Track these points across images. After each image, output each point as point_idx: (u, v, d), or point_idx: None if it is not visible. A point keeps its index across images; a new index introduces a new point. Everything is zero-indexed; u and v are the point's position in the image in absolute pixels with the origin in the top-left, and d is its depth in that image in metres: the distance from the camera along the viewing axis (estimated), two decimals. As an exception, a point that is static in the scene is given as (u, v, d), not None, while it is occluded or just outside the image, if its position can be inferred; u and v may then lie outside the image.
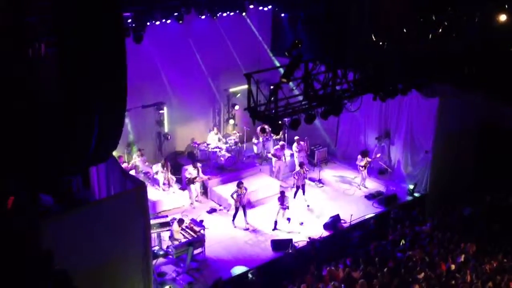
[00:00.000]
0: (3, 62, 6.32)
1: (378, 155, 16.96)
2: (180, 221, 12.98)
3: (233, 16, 15.89)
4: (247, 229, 14.47)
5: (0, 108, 6.51)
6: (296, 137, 17.24)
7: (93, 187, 11.04)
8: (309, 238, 13.93)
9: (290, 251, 13.23)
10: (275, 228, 14.46)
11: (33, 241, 6.36)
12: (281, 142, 17.29)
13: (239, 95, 17.81)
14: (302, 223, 14.72)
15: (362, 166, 16.60)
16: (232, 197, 14.42)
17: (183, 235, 12.89)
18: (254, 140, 17.76)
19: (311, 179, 16.93)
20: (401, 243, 13.31)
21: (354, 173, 17.18)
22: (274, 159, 17.02)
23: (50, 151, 6.91)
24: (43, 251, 6.29)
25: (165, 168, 15.44)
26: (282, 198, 14.51)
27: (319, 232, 14.25)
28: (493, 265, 12.18)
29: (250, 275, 12.31)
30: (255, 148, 17.81)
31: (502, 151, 16.09)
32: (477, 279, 11.44)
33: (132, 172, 14.76)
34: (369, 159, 16.60)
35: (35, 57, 6.87)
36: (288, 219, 14.68)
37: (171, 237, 12.90)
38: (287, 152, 17.41)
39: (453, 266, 12.08)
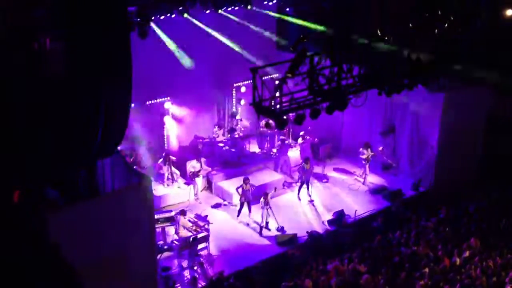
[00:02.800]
0: (10, 58, 6.32)
1: (381, 148, 16.87)
2: (183, 212, 13.08)
3: (238, 10, 15.82)
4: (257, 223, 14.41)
5: (6, 103, 6.51)
6: (301, 133, 17.20)
7: (98, 181, 11.04)
8: (307, 232, 13.86)
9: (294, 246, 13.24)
10: (266, 228, 14.18)
11: (40, 235, 6.37)
12: (281, 137, 17.25)
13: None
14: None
15: (364, 160, 16.49)
16: (238, 192, 14.45)
17: (189, 228, 12.93)
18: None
19: (317, 178, 16.83)
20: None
21: (359, 168, 17.12)
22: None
23: (56, 145, 6.91)
24: (49, 245, 6.30)
25: (167, 163, 15.45)
26: (265, 198, 14.12)
27: (323, 227, 14.24)
28: (498, 260, 12.14)
29: (253, 270, 12.33)
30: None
31: (509, 145, 16.01)
32: (482, 275, 11.41)
33: (136, 167, 14.77)
34: (371, 153, 16.49)
35: (41, 51, 6.86)
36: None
37: (177, 231, 12.94)
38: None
39: (458, 261, 12.07)
